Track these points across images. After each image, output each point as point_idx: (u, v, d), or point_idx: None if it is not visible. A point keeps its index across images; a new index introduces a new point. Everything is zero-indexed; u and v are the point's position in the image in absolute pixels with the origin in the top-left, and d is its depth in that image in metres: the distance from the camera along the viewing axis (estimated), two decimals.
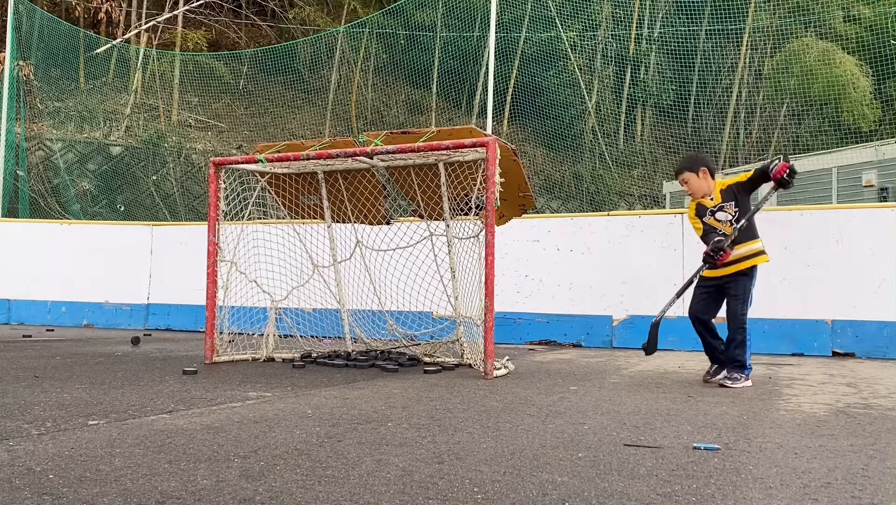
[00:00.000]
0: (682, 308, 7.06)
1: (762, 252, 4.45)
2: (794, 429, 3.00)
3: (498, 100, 17.09)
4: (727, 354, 4.40)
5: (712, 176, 4.57)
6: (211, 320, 5.45)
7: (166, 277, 9.59)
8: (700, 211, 4.55)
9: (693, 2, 17.27)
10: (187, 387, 4.00)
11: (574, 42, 19.05)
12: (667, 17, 19.26)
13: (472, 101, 19.99)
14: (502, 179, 4.71)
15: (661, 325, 4.58)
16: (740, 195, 4.43)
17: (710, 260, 4.31)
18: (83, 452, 2.33)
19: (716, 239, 4.31)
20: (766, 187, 4.41)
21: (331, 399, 3.62)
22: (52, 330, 8.91)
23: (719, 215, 4.47)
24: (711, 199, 4.52)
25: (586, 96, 19.22)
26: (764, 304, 6.91)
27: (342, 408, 3.34)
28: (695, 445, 2.61)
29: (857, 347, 6.67)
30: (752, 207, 4.44)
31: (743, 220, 4.33)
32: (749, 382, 4.36)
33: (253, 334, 5.87)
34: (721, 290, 4.50)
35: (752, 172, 4.41)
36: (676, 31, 18.60)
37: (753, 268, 4.43)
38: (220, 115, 20.37)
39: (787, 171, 4.16)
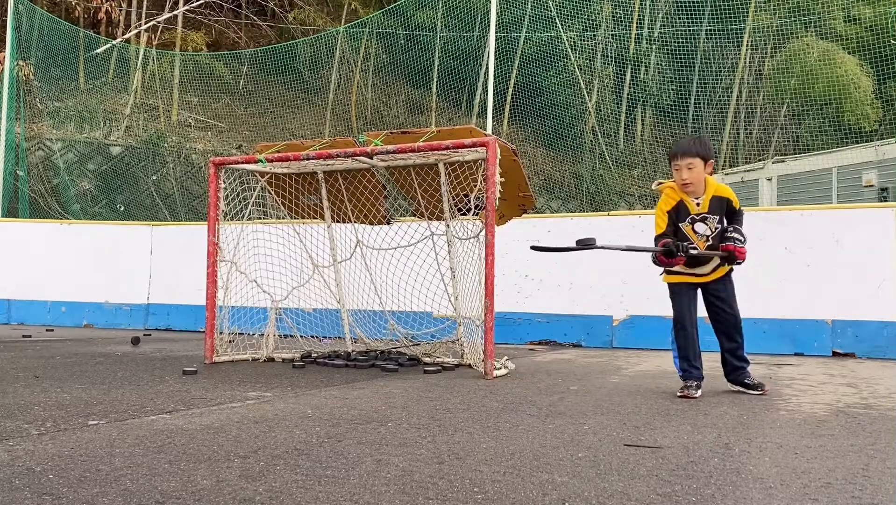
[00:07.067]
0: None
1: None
2: (794, 429, 3.00)
3: (498, 100, 17.09)
4: (742, 358, 4.07)
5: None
6: (211, 320, 5.44)
7: (166, 277, 9.58)
8: (681, 213, 3.96)
9: (693, 2, 17.26)
10: (187, 387, 3.99)
11: (574, 42, 19.04)
12: (667, 17, 19.26)
13: (472, 101, 19.99)
14: (502, 179, 4.71)
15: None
16: (724, 214, 3.96)
17: (669, 256, 3.85)
18: (83, 452, 2.33)
19: (690, 244, 3.88)
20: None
21: (331, 399, 3.62)
22: (52, 330, 8.91)
23: (699, 227, 3.95)
24: (698, 204, 3.94)
25: (586, 96, 19.22)
26: (764, 304, 6.93)
27: (342, 408, 3.34)
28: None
29: (857, 347, 6.66)
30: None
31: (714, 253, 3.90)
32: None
33: (253, 334, 5.87)
34: (697, 290, 4.06)
35: (737, 207, 3.99)
36: (676, 31, 18.60)
37: (732, 269, 4.06)
38: (220, 115, 20.36)
39: (742, 259, 3.88)
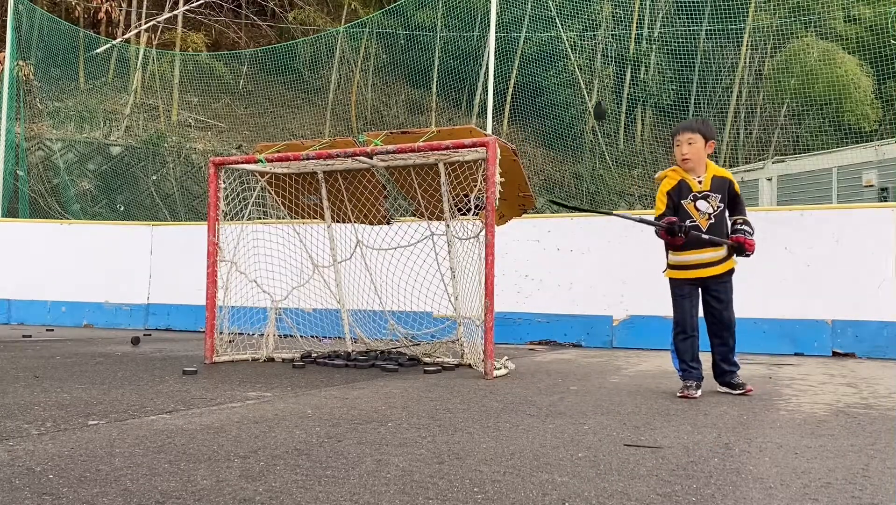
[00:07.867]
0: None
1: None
2: (794, 429, 3.00)
3: (498, 100, 17.08)
4: (734, 362, 4.07)
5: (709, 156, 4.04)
6: (211, 320, 5.45)
7: (166, 277, 9.58)
8: (683, 191, 3.96)
9: (693, 2, 17.26)
10: (187, 387, 3.99)
11: (574, 42, 19.04)
12: (667, 17, 19.26)
13: (472, 101, 19.98)
14: (502, 179, 4.71)
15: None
16: (727, 195, 3.99)
17: (671, 234, 3.83)
18: (83, 452, 2.33)
19: (691, 224, 3.87)
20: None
21: (331, 399, 3.62)
22: (52, 330, 8.91)
23: (701, 204, 3.94)
24: (700, 182, 3.96)
25: (586, 96, 19.22)
26: (764, 304, 6.93)
27: (342, 408, 3.34)
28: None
29: (857, 347, 6.66)
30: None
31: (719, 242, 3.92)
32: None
33: (253, 334, 5.87)
34: (699, 291, 4.05)
35: (739, 196, 4.04)
36: (676, 31, 18.59)
37: (734, 269, 4.04)
38: (220, 115, 20.36)
39: (752, 251, 3.92)
